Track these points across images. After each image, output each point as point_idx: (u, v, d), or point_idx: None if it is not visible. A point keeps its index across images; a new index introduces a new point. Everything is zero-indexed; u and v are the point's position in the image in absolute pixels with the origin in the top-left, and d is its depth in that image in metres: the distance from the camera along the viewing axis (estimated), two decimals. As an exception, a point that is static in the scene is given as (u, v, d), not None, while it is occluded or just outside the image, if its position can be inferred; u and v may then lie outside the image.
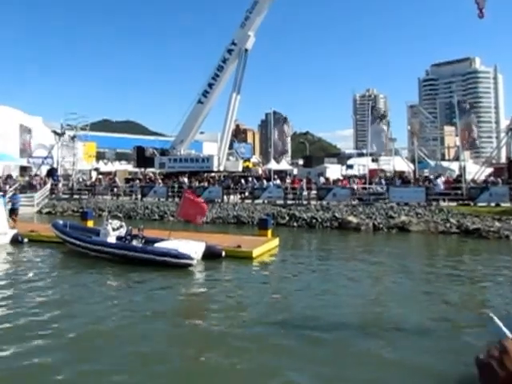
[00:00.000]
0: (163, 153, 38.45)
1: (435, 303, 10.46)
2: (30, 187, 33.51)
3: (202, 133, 54.36)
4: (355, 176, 35.52)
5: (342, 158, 52.41)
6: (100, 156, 54.75)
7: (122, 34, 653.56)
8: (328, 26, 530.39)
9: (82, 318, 8.87)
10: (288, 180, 31.46)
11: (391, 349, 7.50)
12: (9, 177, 37.65)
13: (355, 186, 28.17)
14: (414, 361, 7.00)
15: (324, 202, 26.58)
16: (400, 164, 36.13)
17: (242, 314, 9.51)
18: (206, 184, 31.54)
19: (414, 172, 31.36)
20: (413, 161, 33.72)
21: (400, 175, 31.37)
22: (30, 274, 12.86)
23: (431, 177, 28.74)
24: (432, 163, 37.39)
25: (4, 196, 22.75)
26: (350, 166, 44.81)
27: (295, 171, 40.86)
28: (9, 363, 6.87)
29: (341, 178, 32.52)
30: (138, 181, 34.74)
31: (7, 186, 33.40)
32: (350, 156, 53.63)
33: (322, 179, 30.07)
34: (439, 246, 19.96)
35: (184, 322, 9.23)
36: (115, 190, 32.72)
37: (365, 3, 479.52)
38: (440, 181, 26.18)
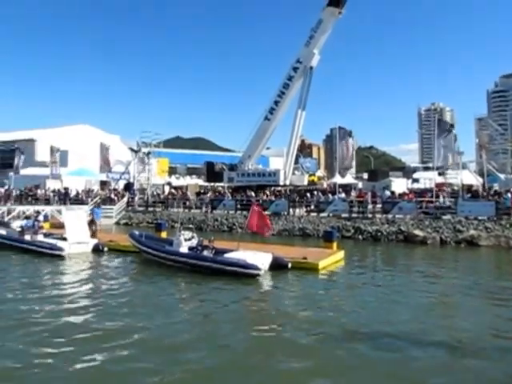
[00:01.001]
0: (232, 168, 39.26)
1: (508, 322, 9.88)
2: (109, 200, 35.38)
3: (268, 148, 54.91)
4: (421, 190, 34.38)
5: (407, 171, 50.93)
6: (172, 171, 56.73)
7: (193, 53, 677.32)
8: (390, 40, 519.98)
9: (161, 327, 9.05)
10: (353, 193, 30.99)
11: (462, 366, 7.20)
12: (90, 191, 40.03)
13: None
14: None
15: (389, 216, 25.94)
16: (468, 178, 34.49)
17: (312, 324, 9.41)
18: (272, 197, 31.81)
19: (483, 186, 29.84)
20: (481, 174, 32.14)
21: (468, 189, 30.00)
22: (110, 281, 13.59)
23: (502, 191, 27.26)
24: (502, 177, 35.40)
25: (99, 208, 24.31)
26: (416, 180, 43.36)
27: (360, 185, 40.18)
28: (96, 368, 7.15)
29: (406, 191, 31.56)
30: (208, 194, 35.67)
31: (89, 199, 35.54)
32: (415, 170, 52.02)
33: (387, 193, 29.36)
34: (511, 262, 18.83)
35: (259, 331, 9.19)
36: (187, 203, 33.77)
37: (428, 13, 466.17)
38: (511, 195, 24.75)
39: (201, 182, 49.25)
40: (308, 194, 31.44)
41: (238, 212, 30.47)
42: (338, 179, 35.14)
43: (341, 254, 17.69)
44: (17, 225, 20.98)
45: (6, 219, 24.97)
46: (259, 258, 14.62)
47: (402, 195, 28.63)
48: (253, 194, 32.69)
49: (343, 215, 27.40)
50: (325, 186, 39.91)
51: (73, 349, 7.78)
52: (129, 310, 10.37)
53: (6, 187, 45.52)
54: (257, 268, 13.98)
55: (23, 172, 47.17)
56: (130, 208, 35.05)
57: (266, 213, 17.67)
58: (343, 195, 30.28)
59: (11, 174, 47.11)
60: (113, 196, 36.20)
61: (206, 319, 9.79)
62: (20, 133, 61.89)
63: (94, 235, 20.58)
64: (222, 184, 40.77)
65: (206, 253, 15.32)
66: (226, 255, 14.97)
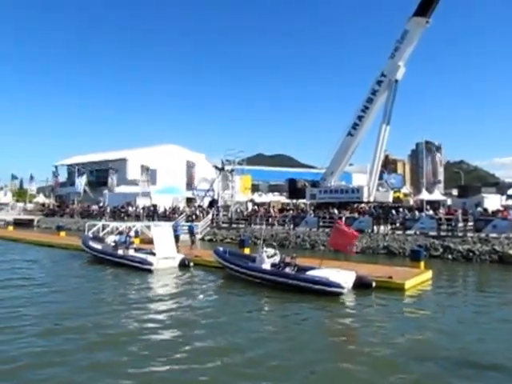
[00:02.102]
0: (314, 184, 39.21)
1: None
2: (194, 217, 36.83)
3: (351, 165, 54.19)
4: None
5: (501, 187, 47.50)
6: (255, 188, 57.80)
7: (276, 70, 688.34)
8: (477, 48, 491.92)
9: (249, 348, 9.02)
10: (441, 210, 29.60)
11: None
12: (177, 208, 41.95)
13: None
14: None
15: (482, 234, 24.43)
16: None
17: (398, 347, 9.18)
18: (356, 214, 31.30)
19: None
20: None
21: None
22: (196, 296, 14.17)
23: None
24: None
25: (192, 225, 25.47)
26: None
27: (449, 202, 38.23)
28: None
29: (501, 208, 29.53)
30: (290, 211, 35.89)
31: (176, 215, 37.27)
32: (510, 185, 48.43)
33: (479, 210, 27.71)
34: None
35: (345, 353, 9.07)
36: (269, 219, 34.24)
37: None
38: None
39: (283, 198, 49.64)
40: (393, 211, 30.54)
41: (321, 229, 30.32)
42: (425, 196, 33.79)
43: (428, 274, 17.00)
44: (111, 240, 22.39)
45: (101, 234, 26.87)
46: (342, 276, 14.51)
47: (495, 212, 26.88)
48: (335, 211, 32.39)
49: (431, 233, 26.26)
50: (411, 202, 38.45)
51: (168, 368, 7.93)
52: (214, 325, 10.68)
53: (101, 204, 49.15)
54: (340, 286, 13.88)
55: (116, 190, 50.66)
56: (214, 224, 36.17)
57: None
58: (431, 212, 29.06)
59: (106, 191, 50.83)
60: (198, 213, 37.66)
61: (290, 339, 9.71)
62: (113, 153, 66.53)
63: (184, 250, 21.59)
64: (304, 201, 40.81)
65: (288, 270, 15.49)
66: (308, 272, 15.02)
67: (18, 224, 47.37)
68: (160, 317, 11.35)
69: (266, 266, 16.04)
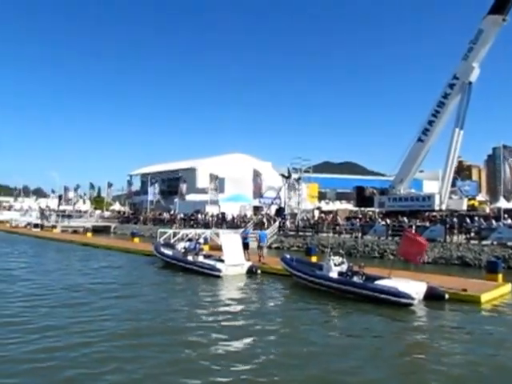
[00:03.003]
0: (383, 192, 38.32)
1: None
2: (261, 225, 37.21)
3: (421, 171, 52.41)
4: None
5: None
6: (322, 196, 57.44)
7: (343, 78, 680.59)
8: None
9: (321, 360, 8.81)
10: (522, 219, 27.84)
11: None
12: (244, 216, 42.60)
13: None
14: None
15: None
16: None
17: (474, 366, 8.65)
18: (427, 223, 30.23)
19: None
20: None
21: None
22: (264, 303, 14.37)
23: None
24: None
25: (263, 232, 25.88)
26: None
27: (531, 210, 35.80)
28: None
29: None
30: (358, 219, 35.32)
31: (242, 224, 37.86)
32: None
33: None
34: None
35: (417, 370, 8.65)
36: (336, 228, 33.90)
37: None
38: None
39: (350, 206, 48.90)
40: (468, 220, 29.15)
41: (390, 238, 29.58)
42: (502, 204, 31.92)
43: (507, 287, 16.05)
44: (181, 246, 23.10)
45: (172, 241, 27.87)
46: (412, 286, 14.12)
47: None
48: (405, 219, 31.46)
49: (509, 243, 24.80)
50: (487, 210, 36.50)
51: (239, 377, 7.89)
52: (282, 334, 10.73)
53: (172, 212, 50.97)
54: (410, 297, 13.51)
55: (186, 198, 52.31)
56: (281, 232, 36.35)
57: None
58: (509, 221, 27.45)
59: (176, 200, 52.62)
60: (265, 220, 38.02)
61: (358, 350, 9.51)
62: (183, 163, 68.83)
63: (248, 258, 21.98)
64: (372, 209, 40.00)
65: (355, 279, 15.31)
66: (377, 282, 14.76)
67: (96, 230, 50.14)
68: (229, 323, 11.54)
69: (334, 274, 15.94)
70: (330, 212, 43.83)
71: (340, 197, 60.82)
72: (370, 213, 39.93)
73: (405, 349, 10.07)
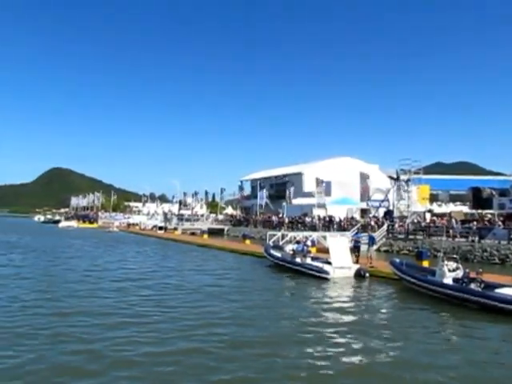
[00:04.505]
0: (503, 193, 34.84)
1: None
2: (368, 227, 35.84)
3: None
4: None
5: None
6: (434, 198, 53.82)
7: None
8: None
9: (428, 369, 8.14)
10: None
11: None
12: (352, 218, 41.40)
13: None
14: None
15: None
16: None
17: None
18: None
19: None
20: None
21: None
22: (371, 308, 13.68)
23: None
24: None
25: (372, 235, 25.12)
26: None
27: None
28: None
29: None
30: (474, 222, 32.39)
31: (349, 227, 36.77)
32: None
33: None
34: None
35: None
36: (450, 231, 31.42)
37: None
38: None
39: (465, 209, 45.10)
40: None
41: (512, 243, 26.62)
42: None
43: None
44: (289, 248, 23.11)
45: (280, 243, 27.94)
46: (541, 296, 12.42)
47: None
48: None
49: None
50: None
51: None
52: (392, 340, 10.04)
53: (280, 215, 51.35)
54: (538, 308, 11.88)
55: (293, 202, 52.39)
56: (390, 235, 34.74)
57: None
58: None
59: (284, 203, 52.95)
60: (373, 223, 36.60)
61: (480, 369, 8.33)
62: (290, 167, 69.20)
63: (357, 261, 21.28)
64: (491, 211, 36.48)
65: (473, 286, 13.87)
66: (498, 290, 13.28)
67: (211, 233, 52.24)
68: (336, 328, 11.08)
69: (447, 280, 14.65)
70: (442, 214, 40.87)
71: (454, 198, 56.47)
72: (489, 215, 36.39)
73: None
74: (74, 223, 79.21)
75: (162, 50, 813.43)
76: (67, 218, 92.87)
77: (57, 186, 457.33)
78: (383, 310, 13.38)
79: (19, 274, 18.60)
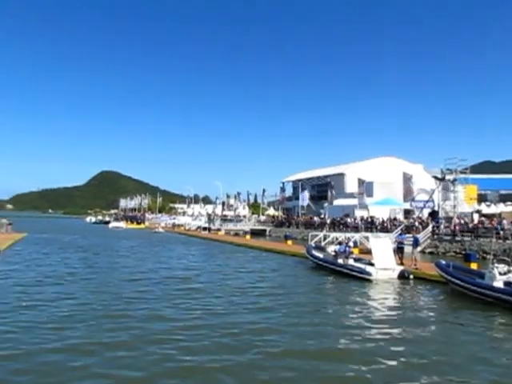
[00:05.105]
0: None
1: None
2: (412, 229, 34.77)
3: None
4: None
5: None
6: (482, 198, 51.67)
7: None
8: None
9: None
10: None
11: None
12: (395, 219, 40.33)
13: None
14: None
15: None
16: None
17: None
18: None
19: None
20: None
21: None
22: (415, 311, 13.09)
23: None
24: None
25: (417, 236, 24.36)
26: None
27: None
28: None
29: None
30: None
31: (392, 228, 35.80)
32: None
33: None
34: None
35: None
36: (500, 232, 29.96)
37: None
38: None
39: (516, 209, 43.00)
40: None
41: None
42: None
43: None
44: (331, 249, 22.73)
45: (322, 244, 27.57)
46: None
47: None
48: None
49: None
50: None
51: None
52: (441, 347, 9.38)
53: (322, 216, 50.80)
54: None
55: (335, 203, 51.70)
56: (435, 237, 33.56)
57: None
58: None
59: (325, 204, 52.37)
60: (417, 224, 35.50)
61: None
62: (331, 168, 68.55)
63: (401, 263, 20.67)
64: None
65: (526, 290, 13.10)
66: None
67: (254, 233, 52.36)
68: (380, 331, 10.68)
69: (498, 283, 13.88)
70: (492, 215, 39.11)
71: (504, 198, 53.95)
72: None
73: None
74: (122, 224, 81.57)
75: (215, 58, 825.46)
76: (117, 219, 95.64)
77: (106, 189, 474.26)
78: (431, 314, 12.77)
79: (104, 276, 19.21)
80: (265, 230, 57.33)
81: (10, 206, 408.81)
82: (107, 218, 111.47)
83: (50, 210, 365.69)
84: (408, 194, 41.35)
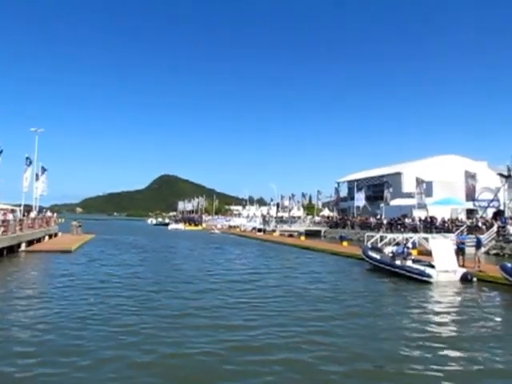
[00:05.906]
0: None
1: None
2: (476, 229, 33.01)
3: None
4: None
5: None
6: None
7: None
8: None
9: None
10: None
11: None
12: (456, 219, 38.48)
13: None
14: None
15: None
16: None
17: None
18: None
19: None
20: None
21: None
22: (482, 315, 12.31)
23: None
24: None
25: (479, 237, 23.15)
26: None
27: None
28: None
29: None
30: None
31: (454, 228, 34.14)
32: None
33: None
34: None
35: None
36: None
37: None
38: None
39: None
40: None
41: None
42: None
43: None
44: (388, 250, 22.02)
45: (379, 245, 26.76)
46: None
47: None
48: None
49: None
50: None
51: None
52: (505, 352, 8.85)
53: (378, 217, 49.42)
54: None
55: (392, 203, 50.12)
56: (500, 238, 31.67)
57: None
58: None
59: (382, 205, 50.89)
60: (480, 224, 33.66)
61: None
62: (388, 168, 66.57)
63: (463, 265, 19.67)
64: None
65: None
66: None
67: (308, 234, 51.93)
68: (441, 335, 10.14)
69: None
70: (563, 214, 36.38)
71: None
72: None
73: None
74: (181, 226, 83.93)
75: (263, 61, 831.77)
76: (176, 221, 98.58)
77: (166, 192, 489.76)
78: (497, 319, 11.96)
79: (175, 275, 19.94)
80: (319, 231, 56.69)
81: (79, 209, 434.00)
82: (167, 220, 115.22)
83: (115, 213, 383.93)
84: (470, 193, 39.31)
